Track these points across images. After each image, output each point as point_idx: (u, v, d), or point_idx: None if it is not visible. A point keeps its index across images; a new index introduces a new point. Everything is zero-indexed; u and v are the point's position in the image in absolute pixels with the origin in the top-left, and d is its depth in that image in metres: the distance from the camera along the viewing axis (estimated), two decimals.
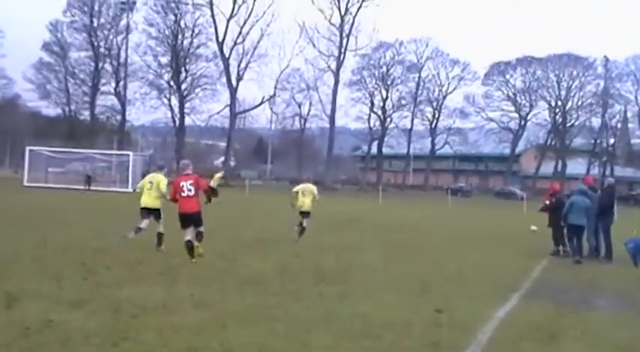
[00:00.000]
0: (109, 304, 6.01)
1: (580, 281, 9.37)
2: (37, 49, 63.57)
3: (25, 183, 35.72)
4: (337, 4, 61.05)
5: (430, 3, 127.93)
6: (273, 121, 73.75)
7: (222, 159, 67.92)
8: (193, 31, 60.79)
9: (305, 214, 12.78)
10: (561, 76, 67.53)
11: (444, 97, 71.27)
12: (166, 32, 60.85)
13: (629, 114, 68.96)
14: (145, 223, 10.12)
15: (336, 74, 62.72)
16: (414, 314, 6.28)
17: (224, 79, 60.27)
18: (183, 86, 61.48)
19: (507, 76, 70.42)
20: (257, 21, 58.56)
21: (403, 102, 70.34)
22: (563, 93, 67.73)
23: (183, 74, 61.69)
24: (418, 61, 69.57)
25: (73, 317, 5.42)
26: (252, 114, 69.25)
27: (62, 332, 4.95)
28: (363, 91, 69.28)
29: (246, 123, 73.00)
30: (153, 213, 10.17)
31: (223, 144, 67.53)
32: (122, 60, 62.84)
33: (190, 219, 9.05)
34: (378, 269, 9.35)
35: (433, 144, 72.12)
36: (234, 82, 59.74)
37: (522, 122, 70.96)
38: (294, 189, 13.28)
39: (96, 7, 62.11)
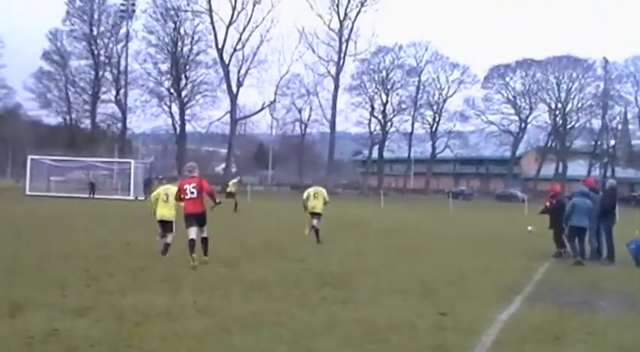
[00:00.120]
0: (113, 312, 6.01)
1: (582, 282, 9.35)
2: (37, 58, 63.67)
3: (27, 192, 35.74)
4: (336, 9, 61.30)
5: (429, 7, 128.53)
6: (273, 127, 73.81)
7: (224, 165, 67.94)
8: (193, 38, 60.81)
9: (316, 215, 13.21)
10: (561, 78, 67.46)
11: (444, 101, 71.28)
12: (166, 39, 60.87)
13: (629, 116, 68.97)
14: (170, 237, 10.21)
15: (336, 79, 62.86)
16: (418, 317, 6.28)
17: (224, 86, 60.31)
18: (183, 93, 61.45)
19: (507, 79, 70.38)
20: (256, 27, 58.68)
21: (403, 106, 70.34)
22: (563, 95, 67.65)
23: (184, 81, 61.64)
24: (418, 64, 69.60)
25: (77, 326, 5.43)
26: (253, 120, 69.17)
27: (66, 341, 4.95)
28: (363, 96, 69.35)
29: (246, 129, 72.83)
30: (169, 224, 10.28)
31: (224, 151, 67.59)
32: (122, 68, 63.00)
33: (194, 219, 9.35)
34: (381, 273, 9.36)
35: (434, 148, 72.08)
36: (234, 89, 59.78)
37: (522, 124, 70.84)
38: (305, 194, 13.64)
39: (95, 16, 62.23)
